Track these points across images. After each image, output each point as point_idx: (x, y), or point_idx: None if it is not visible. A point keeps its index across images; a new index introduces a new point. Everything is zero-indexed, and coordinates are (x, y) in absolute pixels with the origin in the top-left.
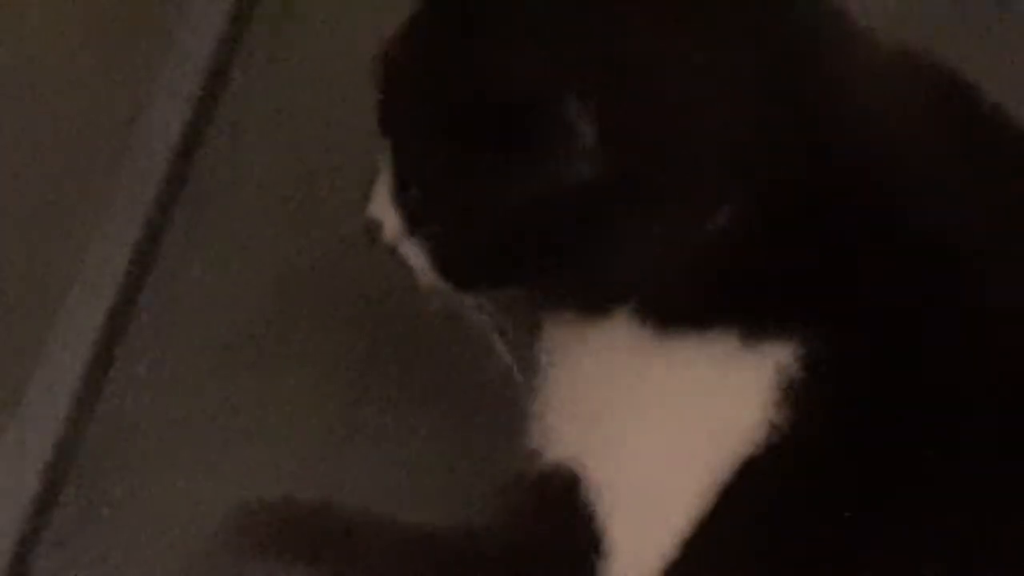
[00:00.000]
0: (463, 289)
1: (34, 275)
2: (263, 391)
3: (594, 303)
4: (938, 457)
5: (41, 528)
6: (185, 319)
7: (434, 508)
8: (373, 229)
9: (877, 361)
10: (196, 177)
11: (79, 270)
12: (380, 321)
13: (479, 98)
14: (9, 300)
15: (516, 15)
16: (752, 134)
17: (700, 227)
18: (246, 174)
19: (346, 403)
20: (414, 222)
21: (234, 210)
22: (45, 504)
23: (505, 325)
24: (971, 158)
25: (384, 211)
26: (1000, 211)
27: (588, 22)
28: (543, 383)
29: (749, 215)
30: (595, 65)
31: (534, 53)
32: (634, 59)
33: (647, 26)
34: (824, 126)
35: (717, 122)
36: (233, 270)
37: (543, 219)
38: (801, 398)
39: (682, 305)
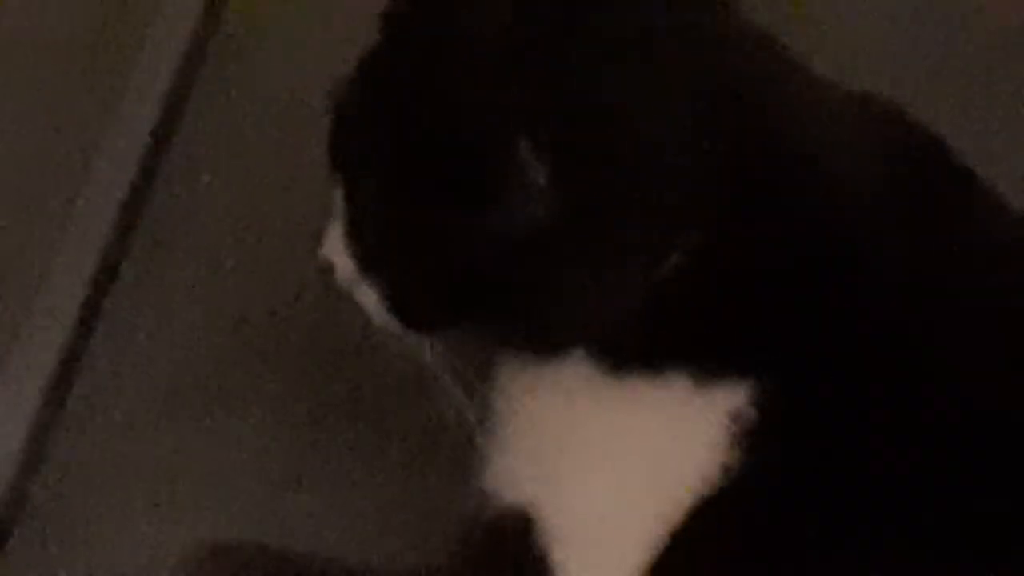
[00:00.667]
0: (416, 330)
1: None
2: (216, 435)
3: (547, 344)
4: (891, 497)
5: None
6: (138, 363)
7: (387, 551)
8: (326, 271)
9: (829, 403)
10: (149, 221)
11: (31, 313)
12: (333, 364)
13: (431, 138)
14: None
15: (469, 56)
16: (703, 177)
17: (652, 269)
18: (200, 217)
19: (299, 447)
20: (366, 263)
21: (187, 254)
22: None
23: (458, 366)
24: (921, 201)
25: (337, 252)
26: (948, 253)
27: (541, 63)
28: (496, 425)
29: (701, 257)
30: (548, 106)
31: (487, 93)
32: (587, 101)
33: (600, 67)
34: (775, 170)
35: (669, 165)
36: (187, 314)
37: (495, 260)
38: (754, 440)
39: (634, 347)
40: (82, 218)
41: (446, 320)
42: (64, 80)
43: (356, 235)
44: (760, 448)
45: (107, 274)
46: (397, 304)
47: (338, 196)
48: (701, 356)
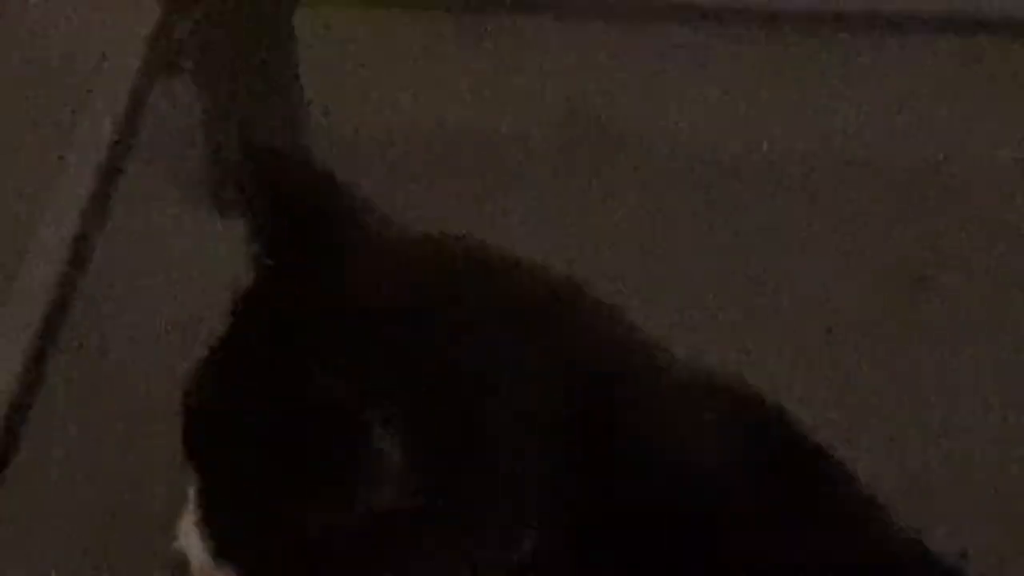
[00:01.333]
0: None
1: None
2: None
3: None
4: None
5: None
6: None
7: None
8: (180, 563)
9: None
10: None
11: None
12: None
13: (282, 423)
14: None
15: (319, 338)
16: (557, 457)
17: (507, 552)
18: (47, 507)
19: None
20: (221, 551)
21: (33, 545)
22: None
23: None
24: (776, 483)
25: (190, 543)
26: (805, 535)
27: (390, 342)
28: None
29: (555, 540)
30: (400, 388)
31: (338, 378)
32: (439, 381)
33: (451, 348)
34: (627, 451)
35: (521, 446)
36: None
37: (352, 545)
38: None
39: None
40: None
41: None
42: None
43: (210, 521)
44: None
45: None
46: None
47: (191, 483)
48: None
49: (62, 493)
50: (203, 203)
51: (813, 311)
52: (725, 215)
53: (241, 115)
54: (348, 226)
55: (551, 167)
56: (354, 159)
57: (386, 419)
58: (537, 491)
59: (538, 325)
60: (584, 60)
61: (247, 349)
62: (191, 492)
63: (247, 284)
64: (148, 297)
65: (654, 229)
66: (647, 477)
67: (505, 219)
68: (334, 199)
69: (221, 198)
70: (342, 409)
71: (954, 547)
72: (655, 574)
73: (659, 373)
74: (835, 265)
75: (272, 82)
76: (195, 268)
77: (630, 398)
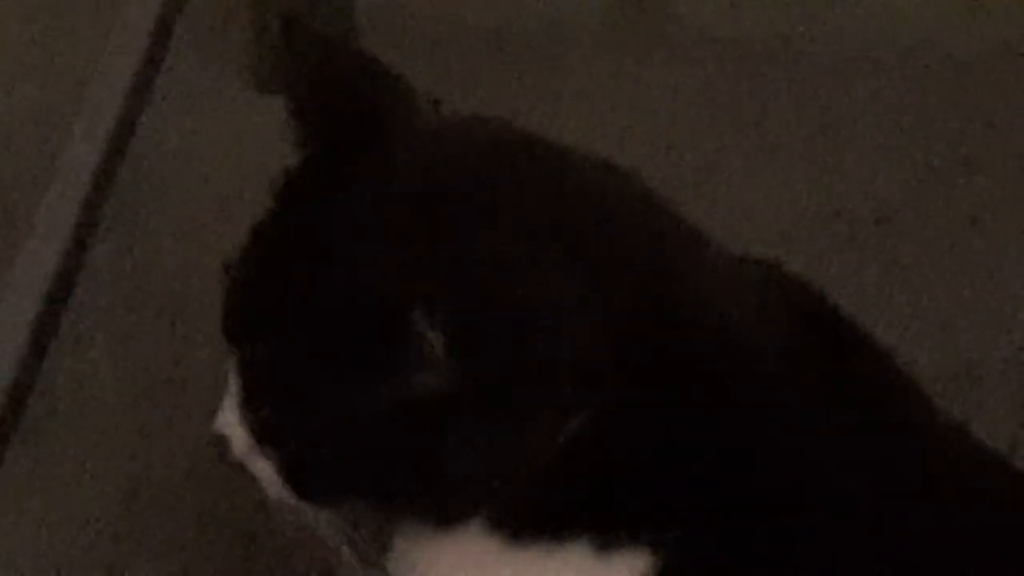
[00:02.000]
0: (313, 502)
1: None
2: None
3: (445, 514)
4: None
5: None
6: (29, 538)
7: None
8: (220, 444)
9: (730, 569)
10: (38, 391)
11: None
12: (226, 539)
13: (326, 307)
14: None
15: (362, 223)
16: (600, 345)
17: (551, 438)
18: (90, 388)
19: None
20: (262, 435)
21: (78, 426)
22: None
23: (356, 537)
24: (819, 365)
25: (231, 425)
26: (848, 424)
27: (435, 229)
28: None
29: (599, 425)
30: (443, 274)
31: (381, 263)
32: (483, 269)
33: (496, 236)
34: (673, 336)
35: (566, 332)
36: (78, 487)
37: (392, 431)
38: None
39: (534, 515)
40: None
41: (343, 492)
42: None
43: (251, 407)
44: None
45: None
46: (293, 477)
47: (232, 368)
48: (601, 524)
49: (103, 378)
50: (246, 84)
51: (863, 200)
52: (774, 101)
53: None
54: (391, 110)
55: (594, 53)
56: (399, 43)
57: (428, 304)
58: (581, 376)
59: (584, 212)
60: None
61: (289, 234)
62: (231, 377)
63: (289, 167)
64: (190, 180)
65: (701, 115)
66: (693, 362)
67: (552, 104)
68: (377, 83)
69: (263, 77)
70: (384, 295)
71: (1004, 437)
72: (701, 458)
73: (705, 262)
74: (886, 153)
75: None
76: (237, 150)
77: (676, 287)
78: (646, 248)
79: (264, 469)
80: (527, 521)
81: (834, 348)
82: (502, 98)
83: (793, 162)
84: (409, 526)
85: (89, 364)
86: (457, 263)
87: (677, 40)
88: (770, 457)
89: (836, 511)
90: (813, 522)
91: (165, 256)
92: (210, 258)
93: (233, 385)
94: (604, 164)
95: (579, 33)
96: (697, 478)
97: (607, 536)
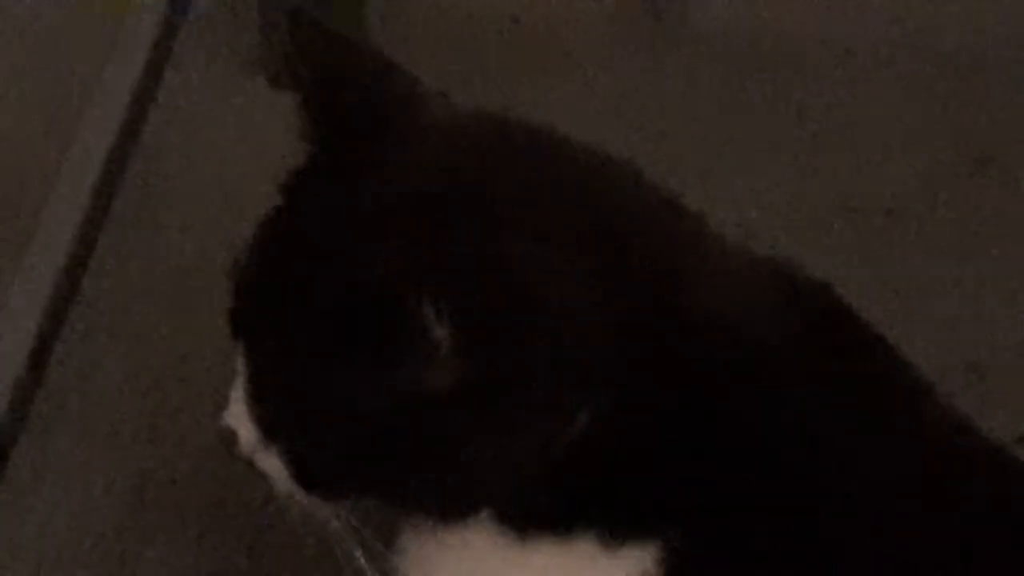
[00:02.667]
0: (321, 497)
1: None
2: None
3: (452, 508)
4: None
5: None
6: (38, 529)
7: None
8: (228, 439)
9: (736, 563)
10: (47, 387)
11: None
12: (234, 533)
13: (333, 301)
14: None
15: (370, 218)
16: (607, 340)
17: (558, 433)
18: (98, 383)
19: None
20: (270, 430)
21: (86, 420)
22: None
23: (363, 532)
24: (828, 365)
25: (239, 420)
26: (855, 425)
27: (442, 225)
28: None
29: (607, 420)
30: (450, 270)
31: (388, 258)
32: (490, 263)
33: (503, 230)
34: (679, 332)
35: (573, 329)
36: (86, 481)
37: (398, 426)
38: None
39: (541, 509)
40: None
41: (351, 487)
42: None
43: (259, 401)
44: None
45: (6, 440)
46: (301, 471)
47: (240, 362)
48: (608, 517)
49: (111, 373)
50: (254, 77)
51: (872, 195)
52: (785, 97)
53: None
54: (398, 105)
55: (605, 46)
56: (407, 37)
57: (435, 300)
58: (586, 373)
59: (592, 208)
60: None
61: (296, 229)
62: (239, 372)
63: (298, 162)
64: (199, 173)
65: (711, 109)
66: (699, 360)
67: (561, 98)
68: (384, 77)
69: (272, 71)
70: (391, 290)
71: (1009, 432)
72: (706, 454)
73: (713, 261)
74: (896, 147)
75: None
76: (244, 146)
77: (683, 286)
78: (653, 246)
79: (272, 463)
80: (535, 515)
81: (844, 349)
82: (511, 92)
83: (803, 156)
84: (416, 520)
85: (97, 359)
86: (464, 260)
87: (687, 35)
88: (774, 454)
89: (840, 509)
90: (817, 519)
91: (172, 252)
92: (218, 254)
93: (241, 380)
94: (613, 160)
95: (588, 28)
96: (703, 474)
97: (614, 530)
